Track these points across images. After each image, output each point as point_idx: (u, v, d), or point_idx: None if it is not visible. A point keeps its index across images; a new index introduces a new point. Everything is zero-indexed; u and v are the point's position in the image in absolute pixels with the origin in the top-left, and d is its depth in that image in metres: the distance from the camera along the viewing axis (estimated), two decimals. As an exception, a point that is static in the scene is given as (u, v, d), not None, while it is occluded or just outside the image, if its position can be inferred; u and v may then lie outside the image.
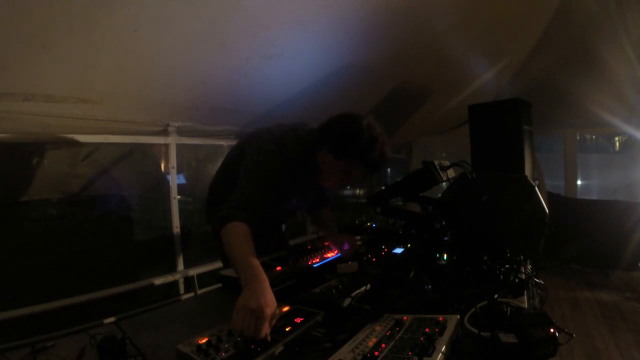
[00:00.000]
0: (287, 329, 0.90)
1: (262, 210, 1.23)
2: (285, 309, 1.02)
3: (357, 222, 1.98)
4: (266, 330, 0.86)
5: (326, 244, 1.66)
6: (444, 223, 1.42)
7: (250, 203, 1.20)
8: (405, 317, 0.92)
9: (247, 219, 1.15)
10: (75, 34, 1.46)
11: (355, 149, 1.30)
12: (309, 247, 1.63)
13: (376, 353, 0.76)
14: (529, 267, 1.28)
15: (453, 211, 1.43)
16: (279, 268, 1.28)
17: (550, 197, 4.56)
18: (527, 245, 1.35)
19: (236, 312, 0.88)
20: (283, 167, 1.30)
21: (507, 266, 1.19)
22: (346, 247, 1.53)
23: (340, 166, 1.35)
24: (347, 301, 1.06)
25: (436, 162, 1.40)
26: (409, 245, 1.55)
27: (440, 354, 0.73)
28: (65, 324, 1.83)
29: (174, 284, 2.52)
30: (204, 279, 2.59)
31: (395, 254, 1.51)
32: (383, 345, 0.79)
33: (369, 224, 1.94)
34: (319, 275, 1.32)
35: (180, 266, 2.57)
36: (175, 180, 2.54)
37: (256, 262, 1.02)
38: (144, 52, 1.71)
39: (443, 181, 1.41)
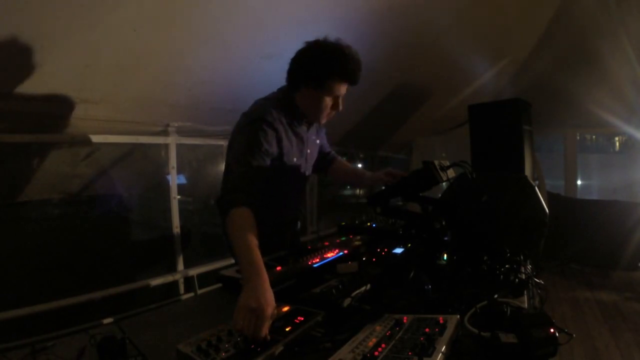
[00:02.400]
0: (287, 329, 0.90)
1: (258, 185, 1.21)
2: (285, 309, 1.01)
3: (357, 222, 1.97)
4: (266, 329, 0.86)
5: (338, 241, 1.65)
6: (444, 223, 1.41)
7: (244, 180, 1.18)
8: (405, 317, 0.92)
9: (246, 199, 1.13)
10: (75, 34, 1.46)
11: (330, 69, 1.28)
12: (309, 247, 1.63)
13: (376, 353, 0.76)
14: (529, 267, 1.28)
15: (453, 211, 1.43)
16: (279, 268, 1.27)
17: (550, 197, 4.56)
18: (527, 245, 1.35)
19: (237, 311, 0.88)
20: (263, 132, 1.27)
21: (507, 266, 1.19)
22: (390, 175, 1.55)
23: (324, 93, 1.33)
24: (347, 301, 1.06)
25: (436, 162, 1.40)
26: (409, 245, 1.55)
27: (440, 354, 0.73)
28: (65, 324, 1.83)
29: (174, 284, 2.52)
30: (204, 279, 2.59)
31: (395, 254, 1.51)
32: (383, 346, 0.79)
33: (369, 224, 1.93)
34: (319, 275, 1.32)
35: (180, 266, 2.57)
36: (175, 180, 2.54)
37: (258, 258, 1.00)
38: (144, 52, 1.71)
39: (443, 181, 1.41)
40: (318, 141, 1.63)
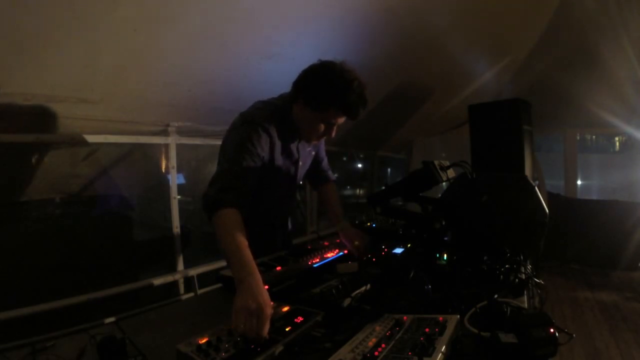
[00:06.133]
0: (287, 329, 0.90)
1: (248, 186, 1.20)
2: (285, 309, 1.02)
3: (357, 222, 1.97)
4: (267, 329, 0.86)
5: (338, 241, 1.66)
6: (444, 223, 1.41)
7: (233, 180, 1.17)
8: (405, 317, 0.92)
9: (235, 199, 1.12)
10: (75, 34, 1.46)
11: (330, 97, 1.26)
12: (309, 247, 1.63)
13: (376, 353, 0.76)
14: (529, 267, 1.28)
15: (453, 211, 1.43)
16: (279, 268, 1.27)
17: (550, 197, 4.56)
18: (527, 245, 1.35)
19: (236, 314, 0.87)
20: (257, 134, 1.26)
21: (507, 266, 1.19)
22: (357, 243, 1.52)
23: (319, 117, 1.31)
24: (347, 301, 1.06)
25: (436, 162, 1.39)
26: (409, 245, 1.55)
27: (440, 354, 0.73)
28: (65, 324, 1.83)
29: (174, 284, 2.52)
30: (204, 279, 2.59)
31: (395, 254, 1.51)
32: (383, 345, 0.79)
33: (369, 224, 1.93)
34: (319, 275, 1.32)
35: (180, 266, 2.57)
36: (175, 180, 2.54)
37: (249, 258, 1.00)
38: (144, 52, 1.71)
39: (443, 181, 1.41)
40: (313, 152, 1.63)
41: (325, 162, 1.75)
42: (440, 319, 0.88)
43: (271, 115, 1.33)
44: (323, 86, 1.26)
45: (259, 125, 1.28)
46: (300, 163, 1.53)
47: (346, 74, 1.25)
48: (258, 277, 0.96)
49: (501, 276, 1.16)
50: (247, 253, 1.01)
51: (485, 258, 1.24)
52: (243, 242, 1.04)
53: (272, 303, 0.93)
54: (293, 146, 1.46)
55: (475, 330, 0.87)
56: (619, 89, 3.69)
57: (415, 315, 0.93)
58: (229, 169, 1.21)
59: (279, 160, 1.41)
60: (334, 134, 1.39)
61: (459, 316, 0.90)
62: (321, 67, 1.28)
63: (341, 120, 1.34)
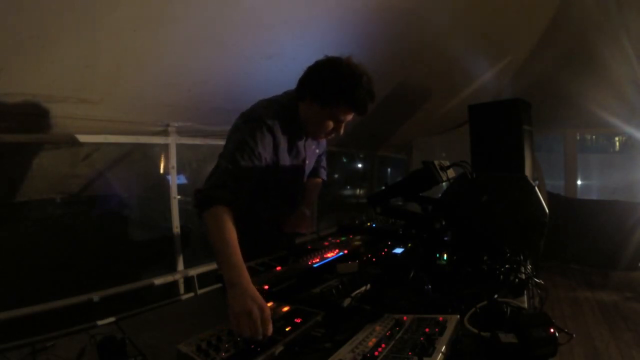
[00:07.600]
0: (287, 329, 0.90)
1: (245, 185, 1.17)
2: (285, 309, 1.02)
3: (357, 222, 1.97)
4: (271, 327, 0.86)
5: (338, 241, 1.66)
6: (444, 223, 1.41)
7: (228, 178, 1.14)
8: (405, 317, 0.92)
9: (228, 197, 1.10)
10: (75, 34, 1.46)
11: (338, 93, 1.23)
12: (309, 247, 1.63)
13: (376, 353, 0.76)
14: (529, 267, 1.28)
15: (453, 211, 1.43)
16: (279, 268, 1.27)
17: (550, 197, 4.56)
18: (527, 245, 1.35)
19: (236, 318, 0.86)
20: (260, 133, 1.23)
21: (507, 266, 1.19)
22: (290, 223, 1.55)
23: (328, 114, 1.28)
24: (347, 301, 1.06)
25: (436, 162, 1.39)
26: (409, 245, 1.55)
27: (440, 354, 0.73)
28: (65, 324, 1.83)
29: (174, 284, 2.52)
30: (204, 279, 2.59)
31: (395, 254, 1.51)
32: (383, 345, 0.79)
33: (369, 224, 1.93)
34: (319, 275, 1.32)
35: (180, 266, 2.57)
36: (175, 180, 2.54)
37: (240, 260, 0.98)
38: (144, 52, 1.71)
39: (443, 181, 1.41)
40: (318, 150, 1.61)
41: (322, 159, 1.73)
42: (440, 319, 0.88)
43: (276, 114, 1.29)
44: (331, 82, 1.23)
45: (263, 123, 1.25)
46: (307, 162, 1.52)
47: (354, 69, 1.23)
48: (249, 278, 0.96)
49: (501, 276, 1.16)
50: (237, 253, 1.00)
51: (485, 258, 1.24)
52: (234, 242, 1.02)
53: (271, 304, 0.93)
54: (300, 144, 1.44)
55: (475, 330, 0.87)
56: (619, 89, 3.69)
57: (415, 315, 0.93)
58: (225, 167, 1.18)
59: (286, 160, 1.39)
60: (342, 131, 1.36)
61: (459, 316, 0.91)
62: (328, 63, 1.25)
63: (350, 117, 1.32)
